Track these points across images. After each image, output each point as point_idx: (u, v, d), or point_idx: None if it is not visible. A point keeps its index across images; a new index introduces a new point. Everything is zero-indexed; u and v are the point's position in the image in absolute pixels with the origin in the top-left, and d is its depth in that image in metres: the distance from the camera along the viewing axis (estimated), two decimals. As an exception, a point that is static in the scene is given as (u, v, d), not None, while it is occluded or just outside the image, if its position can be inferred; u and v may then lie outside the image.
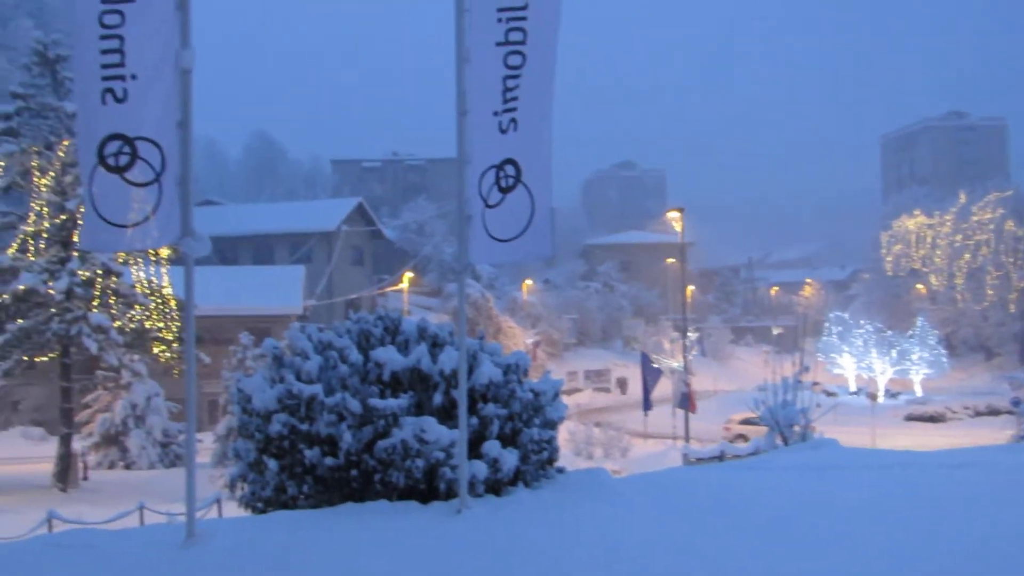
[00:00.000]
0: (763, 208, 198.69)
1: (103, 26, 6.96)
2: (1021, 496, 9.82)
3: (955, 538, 7.75)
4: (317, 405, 8.88)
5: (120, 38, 6.97)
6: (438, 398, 9.22)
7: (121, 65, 7.00)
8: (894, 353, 71.51)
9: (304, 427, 8.95)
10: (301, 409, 8.95)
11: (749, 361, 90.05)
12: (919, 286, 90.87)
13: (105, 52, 6.99)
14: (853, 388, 73.14)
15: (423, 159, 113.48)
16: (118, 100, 7.02)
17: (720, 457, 24.30)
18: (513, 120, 7.94)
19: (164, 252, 30.66)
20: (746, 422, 40.90)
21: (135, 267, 31.77)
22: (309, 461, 8.89)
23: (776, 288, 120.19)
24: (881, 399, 66.40)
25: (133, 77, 7.03)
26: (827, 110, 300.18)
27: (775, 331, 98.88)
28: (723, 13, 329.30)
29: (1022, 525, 8.24)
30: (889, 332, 73.48)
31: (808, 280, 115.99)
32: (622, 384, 75.36)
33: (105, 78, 7.01)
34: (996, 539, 7.69)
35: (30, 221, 29.69)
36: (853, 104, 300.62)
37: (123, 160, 7.04)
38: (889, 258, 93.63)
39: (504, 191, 8.09)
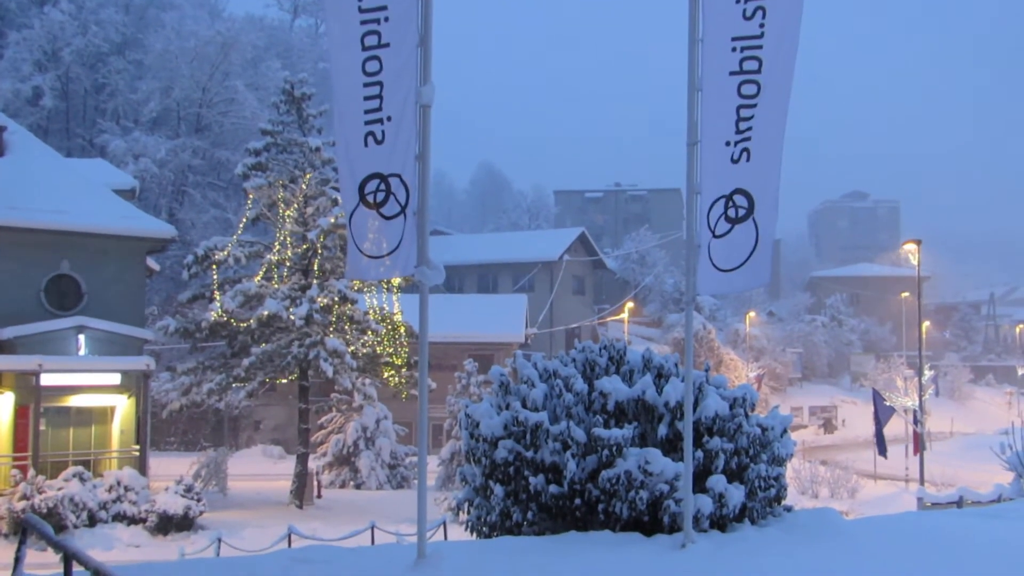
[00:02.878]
0: (1008, 241, 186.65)
1: (365, 73, 7.46)
2: None
3: None
4: (542, 433, 8.99)
5: (380, 84, 7.45)
6: (663, 430, 9.15)
7: (379, 109, 7.48)
8: None
9: (529, 454, 9.07)
10: (527, 436, 9.09)
11: (990, 402, 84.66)
12: None
13: (367, 98, 7.50)
14: (1110, 434, 67.36)
15: (645, 189, 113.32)
16: (378, 142, 7.50)
17: (959, 503, 22.86)
18: (745, 150, 7.83)
19: (395, 280, 31.81)
20: None
21: (368, 295, 33.09)
22: (534, 488, 9.00)
23: (1022, 325, 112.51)
24: None
25: (389, 119, 7.48)
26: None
27: (1020, 371, 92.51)
28: (963, 31, 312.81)
29: None
30: None
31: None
32: (827, 424, 72.33)
33: (367, 122, 7.51)
34: None
35: (275, 250, 31.47)
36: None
37: (379, 197, 7.53)
38: None
39: (732, 221, 7.99)
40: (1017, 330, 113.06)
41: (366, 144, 7.51)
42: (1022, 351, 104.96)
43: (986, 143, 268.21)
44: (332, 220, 30.40)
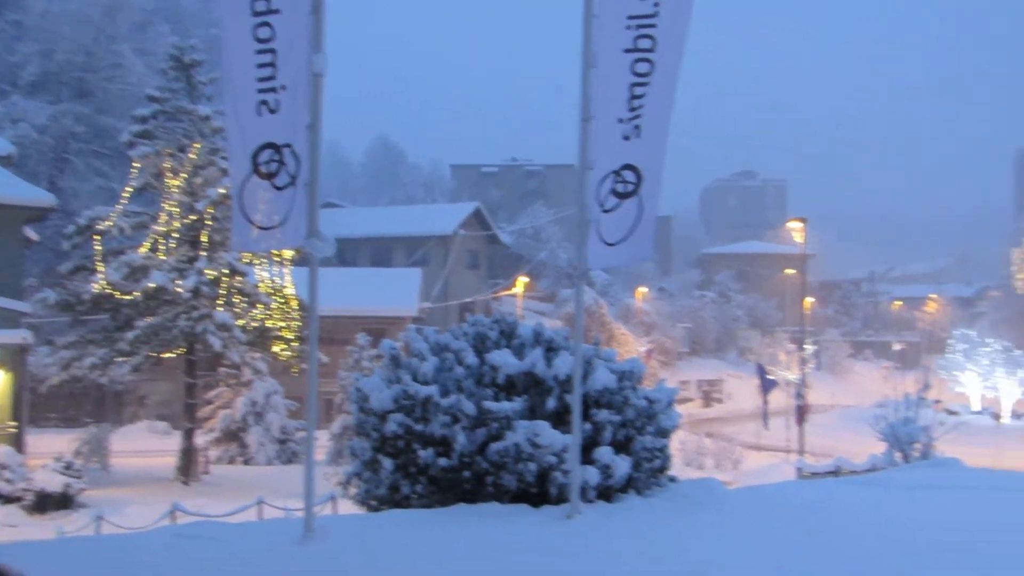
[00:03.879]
0: (888, 222, 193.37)
1: (257, 40, 7.27)
2: None
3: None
4: (432, 406, 9.00)
5: (273, 51, 7.28)
6: (552, 403, 9.23)
7: (273, 78, 7.32)
8: (1022, 373, 68.71)
9: (419, 428, 9.07)
10: (417, 410, 9.08)
11: (868, 376, 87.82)
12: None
13: (261, 66, 7.32)
14: (976, 408, 70.42)
15: (541, 165, 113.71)
16: (272, 111, 7.33)
17: (835, 472, 23.70)
18: (637, 127, 7.93)
19: (287, 253, 31.29)
20: None
21: (259, 267, 32.49)
22: (423, 461, 9.00)
23: (899, 303, 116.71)
24: (1007, 420, 63.80)
25: (283, 88, 7.33)
26: (961, 123, 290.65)
27: (896, 347, 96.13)
28: (854, 23, 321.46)
29: None
30: (1017, 351, 70.54)
31: (932, 296, 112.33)
32: (707, 397, 74.27)
33: (260, 91, 7.34)
34: None
35: (161, 221, 30.64)
36: (989, 117, 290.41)
37: (273, 167, 7.39)
38: (1020, 276, 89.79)
39: (620, 196, 8.10)
40: (894, 307, 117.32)
41: (259, 113, 7.34)
42: (898, 327, 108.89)
43: (874, 128, 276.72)
44: (222, 191, 29.72)
